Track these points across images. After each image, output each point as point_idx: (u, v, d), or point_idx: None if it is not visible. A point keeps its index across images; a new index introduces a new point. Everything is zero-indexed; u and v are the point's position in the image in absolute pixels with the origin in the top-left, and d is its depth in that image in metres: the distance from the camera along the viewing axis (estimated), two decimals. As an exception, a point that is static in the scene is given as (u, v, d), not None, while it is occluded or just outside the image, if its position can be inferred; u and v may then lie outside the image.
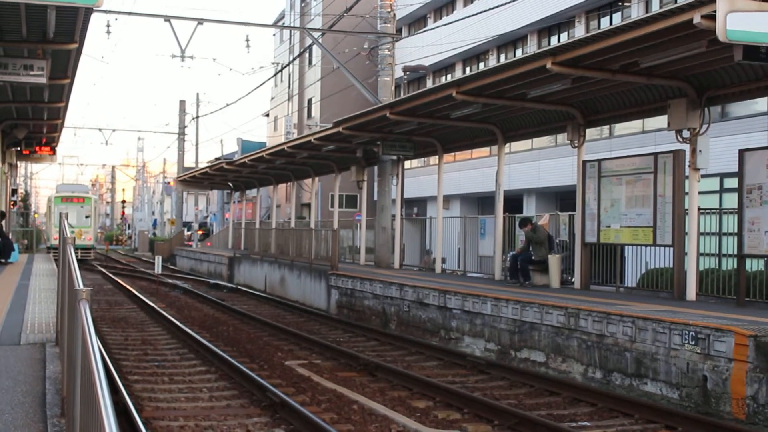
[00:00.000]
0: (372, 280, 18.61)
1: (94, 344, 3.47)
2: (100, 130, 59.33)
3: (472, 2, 40.36)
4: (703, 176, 13.97)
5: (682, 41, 11.11)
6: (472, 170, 37.74)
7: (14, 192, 40.65)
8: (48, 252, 42.17)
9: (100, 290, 26.35)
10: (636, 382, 10.66)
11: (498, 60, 37.80)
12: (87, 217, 45.69)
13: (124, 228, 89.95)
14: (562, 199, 32.66)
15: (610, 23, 29.78)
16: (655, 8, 27.21)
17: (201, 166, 50.62)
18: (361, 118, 19.95)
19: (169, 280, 30.39)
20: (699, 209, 13.93)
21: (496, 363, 12.81)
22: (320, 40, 30.56)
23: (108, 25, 26.03)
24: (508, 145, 19.77)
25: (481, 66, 38.92)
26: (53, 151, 31.55)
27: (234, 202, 47.44)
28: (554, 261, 16.52)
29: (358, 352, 13.57)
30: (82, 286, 4.49)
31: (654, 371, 10.38)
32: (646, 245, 14.93)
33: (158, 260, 28.46)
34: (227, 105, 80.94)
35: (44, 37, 13.83)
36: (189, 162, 59.52)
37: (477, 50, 39.11)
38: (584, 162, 15.96)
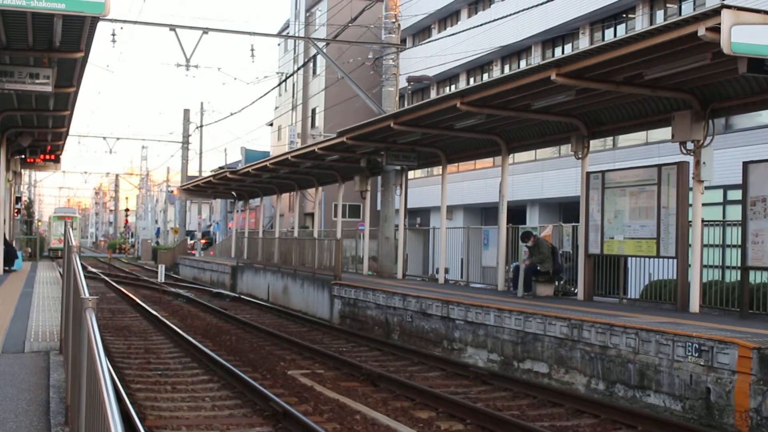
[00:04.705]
0: (375, 290, 18.60)
1: (101, 353, 3.49)
2: (104, 138, 58.99)
3: (476, 13, 40.46)
4: (706, 188, 13.95)
5: (687, 53, 11.13)
6: (475, 181, 37.76)
7: (18, 200, 40.77)
8: (48, 254, 55.00)
9: (103, 299, 26.35)
10: (639, 394, 10.64)
11: (502, 71, 37.87)
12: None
13: (128, 236, 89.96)
14: (566, 210, 32.65)
15: (615, 35, 29.83)
16: (660, 20, 27.25)
17: (205, 175, 50.67)
18: (365, 128, 19.98)
19: (172, 289, 30.39)
20: (703, 221, 13.93)
21: (499, 374, 12.79)
22: (325, 50, 30.63)
23: (113, 34, 26.00)
24: (511, 155, 19.78)
25: (485, 77, 39.00)
26: (57, 159, 31.63)
27: (237, 211, 47.49)
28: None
29: (361, 362, 13.56)
30: (87, 295, 4.51)
31: (657, 383, 10.37)
32: (649, 257, 14.92)
33: (161, 269, 28.56)
34: (231, 114, 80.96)
35: (50, 45, 13.90)
36: (193, 171, 59.56)
37: (481, 61, 39.17)
38: (588, 173, 15.97)
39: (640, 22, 29.26)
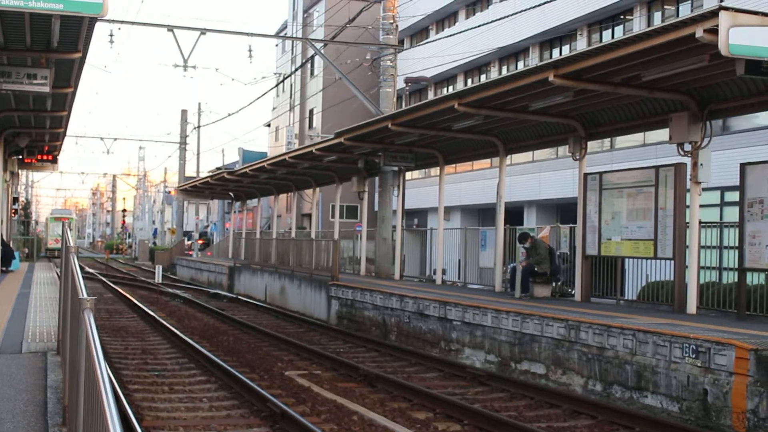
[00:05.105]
0: (372, 291, 18.60)
1: (99, 354, 3.48)
2: (101, 139, 58.94)
3: (474, 14, 40.48)
4: (704, 189, 13.97)
5: (685, 55, 11.14)
6: (473, 182, 37.77)
7: (15, 200, 40.74)
8: (46, 255, 55.37)
9: (101, 299, 26.33)
10: (636, 395, 10.65)
11: (500, 72, 37.88)
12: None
13: (125, 237, 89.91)
14: (563, 211, 32.66)
15: (612, 36, 29.86)
16: (658, 22, 27.29)
17: (202, 175, 50.65)
18: (362, 129, 19.98)
19: (170, 290, 30.37)
20: (700, 222, 13.94)
21: (496, 375, 12.80)
22: (322, 51, 30.64)
23: (111, 35, 25.99)
24: (509, 157, 19.79)
25: (483, 78, 38.99)
26: (55, 159, 31.59)
27: (235, 211, 47.46)
28: None
29: (358, 363, 13.56)
30: (85, 296, 4.50)
31: (654, 384, 10.38)
32: (646, 258, 14.93)
33: (158, 269, 28.46)
34: (229, 115, 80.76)
35: (48, 46, 13.87)
36: (190, 171, 59.53)
37: (479, 62, 39.18)
38: (585, 174, 15.97)
39: (638, 24, 29.27)
